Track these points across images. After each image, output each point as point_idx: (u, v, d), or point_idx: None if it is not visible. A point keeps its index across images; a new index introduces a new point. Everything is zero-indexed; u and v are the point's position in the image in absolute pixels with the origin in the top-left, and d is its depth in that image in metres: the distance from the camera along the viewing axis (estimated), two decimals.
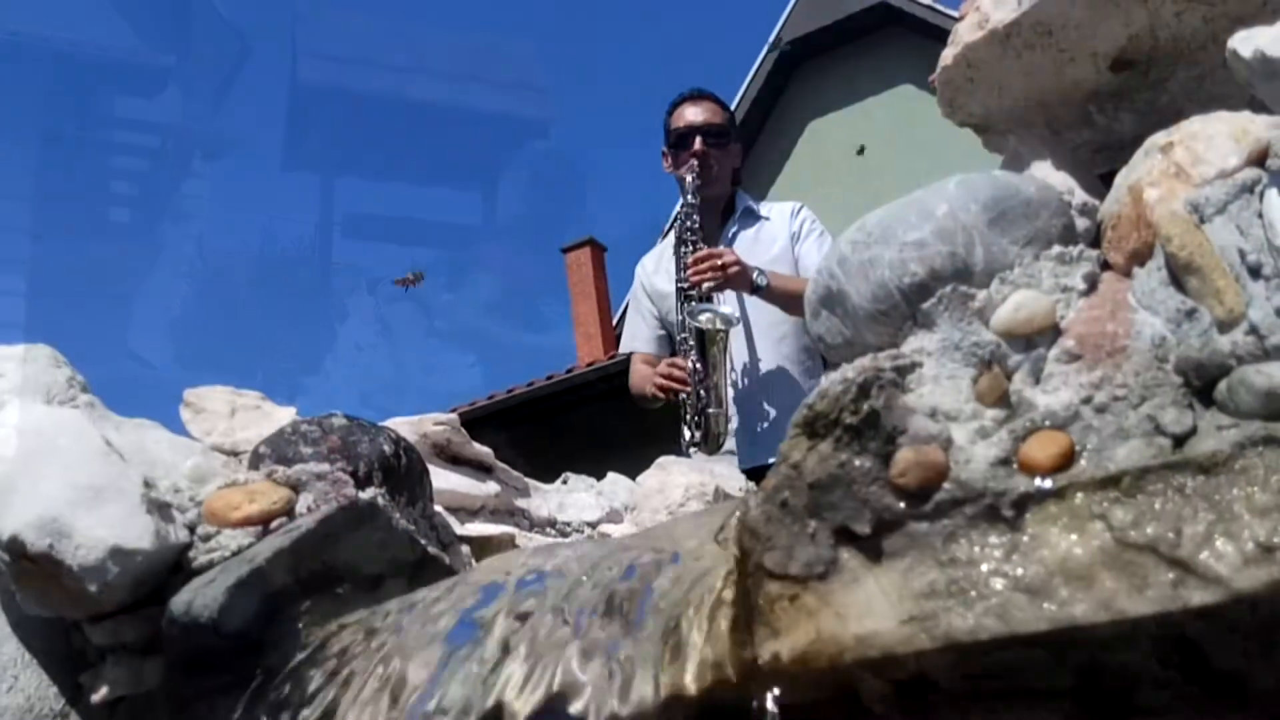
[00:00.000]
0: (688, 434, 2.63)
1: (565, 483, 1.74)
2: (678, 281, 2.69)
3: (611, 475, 1.81)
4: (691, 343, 2.62)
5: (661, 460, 1.74)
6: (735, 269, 2.58)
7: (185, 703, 1.05)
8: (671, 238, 2.90)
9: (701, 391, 2.60)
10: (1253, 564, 0.60)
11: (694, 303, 2.61)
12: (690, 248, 2.67)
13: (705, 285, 2.60)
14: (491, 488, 1.50)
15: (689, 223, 2.70)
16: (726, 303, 2.67)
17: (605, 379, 9.29)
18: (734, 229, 2.86)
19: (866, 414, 0.74)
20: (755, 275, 2.60)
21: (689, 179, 2.74)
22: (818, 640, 0.73)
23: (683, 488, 1.61)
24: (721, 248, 2.69)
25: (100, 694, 1.05)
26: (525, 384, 10.72)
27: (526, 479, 1.63)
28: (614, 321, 11.91)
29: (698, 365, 2.60)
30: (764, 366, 2.75)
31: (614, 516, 1.66)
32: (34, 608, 1.08)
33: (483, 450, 1.55)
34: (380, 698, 0.84)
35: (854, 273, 0.82)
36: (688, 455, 2.63)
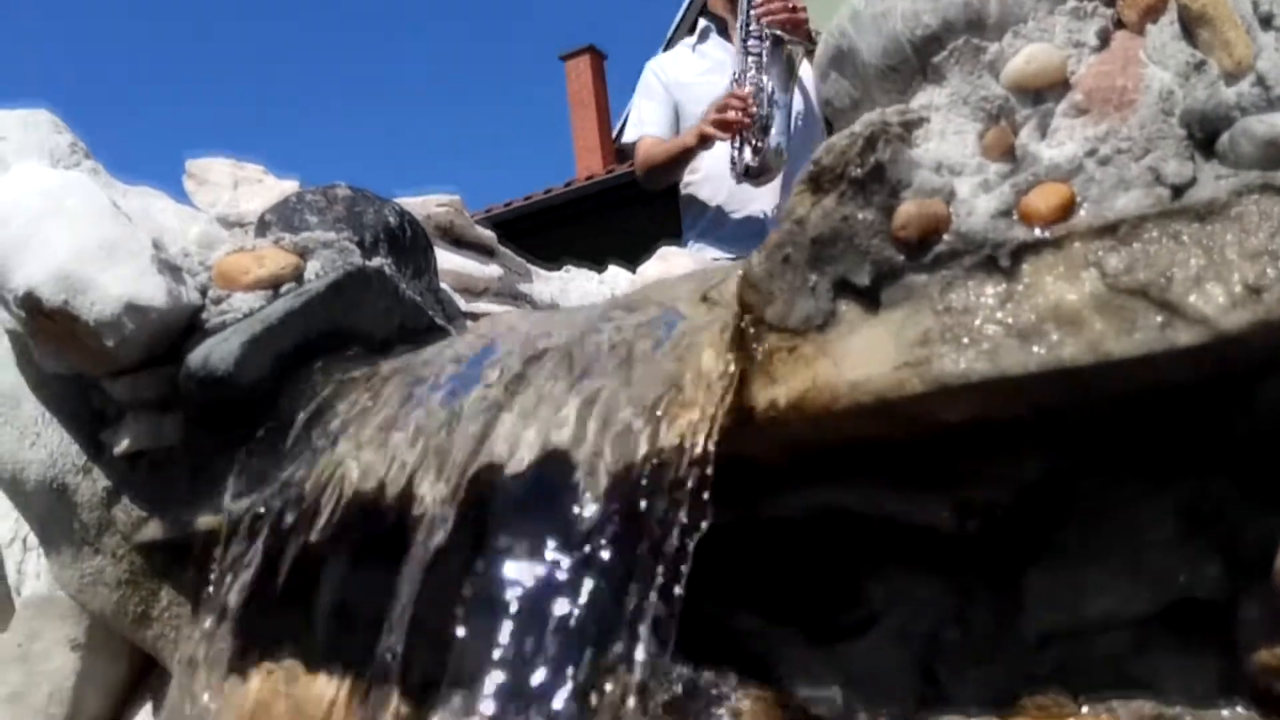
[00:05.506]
0: (743, 159, 2.56)
1: (567, 271, 1.75)
2: (745, 14, 2.59)
3: (612, 267, 1.83)
4: (760, 63, 2.55)
5: (662, 250, 1.76)
6: (804, 12, 2.54)
7: (205, 457, 1.10)
8: (691, 39, 2.83)
9: (765, 111, 2.52)
10: (1239, 305, 0.62)
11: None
12: None
13: (774, 23, 2.52)
14: (494, 270, 1.51)
15: None
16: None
17: (605, 193, 9.18)
18: None
19: (872, 167, 0.74)
20: (814, 33, 2.56)
21: None
22: (813, 387, 0.76)
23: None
24: None
25: (122, 446, 1.09)
26: (522, 198, 10.60)
27: (529, 264, 1.64)
28: (614, 133, 11.66)
29: (765, 79, 2.54)
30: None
31: None
32: (52, 365, 1.11)
33: (486, 234, 1.56)
34: (379, 437, 0.87)
35: (866, 27, 0.81)
36: (738, 183, 2.61)
